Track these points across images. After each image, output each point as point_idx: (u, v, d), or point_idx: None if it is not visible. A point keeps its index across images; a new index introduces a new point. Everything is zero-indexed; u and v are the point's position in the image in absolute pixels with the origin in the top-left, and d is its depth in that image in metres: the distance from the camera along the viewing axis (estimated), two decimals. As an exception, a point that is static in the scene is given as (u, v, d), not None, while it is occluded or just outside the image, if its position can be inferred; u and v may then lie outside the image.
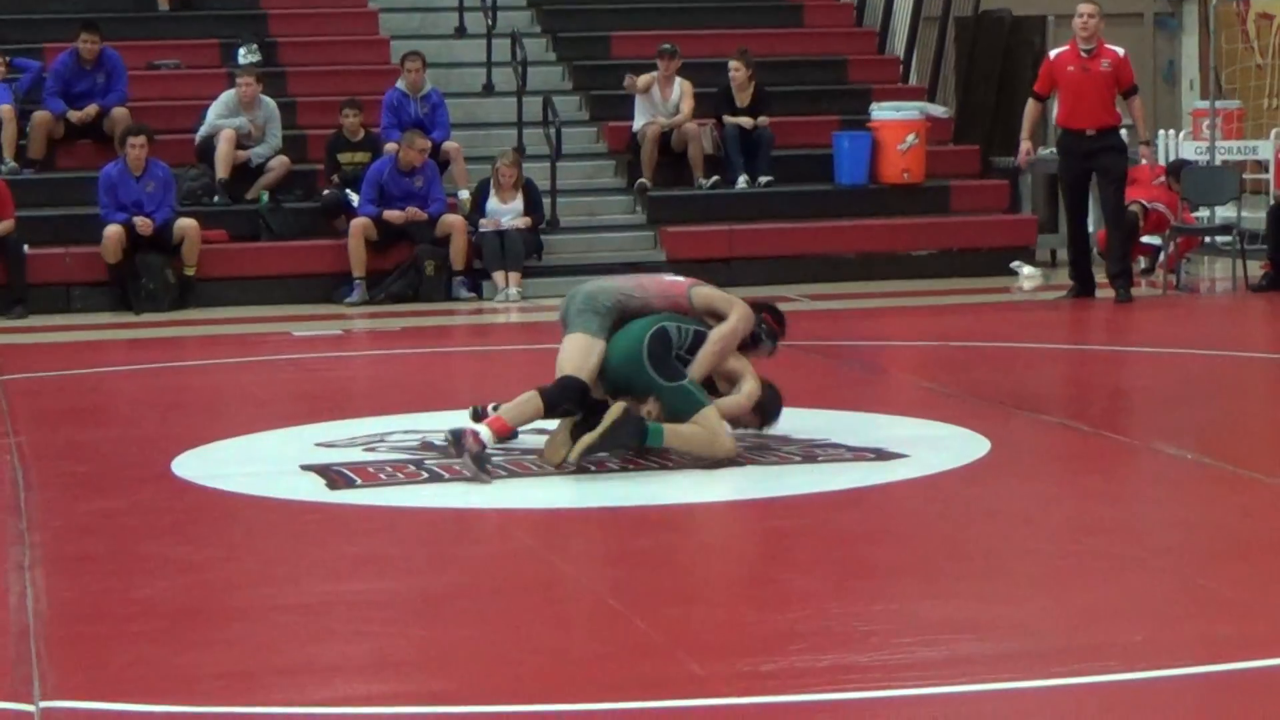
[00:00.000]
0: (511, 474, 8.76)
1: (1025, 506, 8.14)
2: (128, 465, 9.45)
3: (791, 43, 21.17)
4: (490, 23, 20.16)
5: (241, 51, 19.59)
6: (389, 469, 8.95)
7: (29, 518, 8.10)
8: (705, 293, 9.19)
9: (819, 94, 20.36)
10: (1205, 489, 8.46)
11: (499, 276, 17.29)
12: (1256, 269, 16.92)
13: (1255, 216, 18.11)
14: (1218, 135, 19.73)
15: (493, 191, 17.65)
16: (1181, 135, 21.04)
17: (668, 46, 18.95)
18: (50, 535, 7.76)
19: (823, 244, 18.57)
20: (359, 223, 17.21)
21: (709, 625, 6.23)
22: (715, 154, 18.97)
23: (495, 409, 9.03)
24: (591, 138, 19.69)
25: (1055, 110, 16.67)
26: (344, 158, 18.04)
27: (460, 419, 9.36)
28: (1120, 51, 16.06)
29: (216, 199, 17.91)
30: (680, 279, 9.43)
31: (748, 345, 9.19)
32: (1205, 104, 20.75)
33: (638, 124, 18.89)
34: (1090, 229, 16.83)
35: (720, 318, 9.06)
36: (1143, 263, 17.75)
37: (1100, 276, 16.21)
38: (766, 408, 9.16)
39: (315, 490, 8.54)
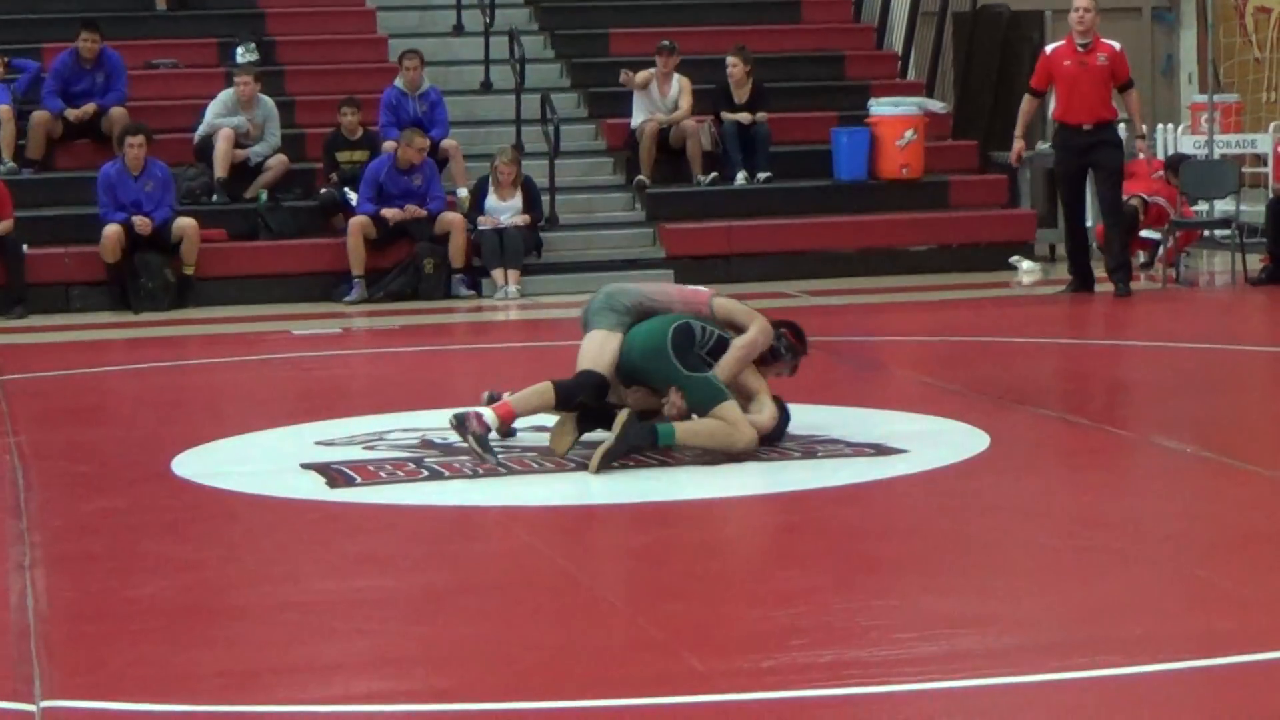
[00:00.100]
0: (511, 471, 8.77)
1: (1025, 501, 8.14)
2: (128, 464, 9.45)
3: (789, 39, 21.16)
4: (488, 20, 20.17)
5: (239, 50, 19.59)
6: (389, 467, 8.95)
7: (29, 517, 8.10)
8: (726, 304, 9.23)
9: (817, 90, 20.36)
10: (1205, 482, 8.46)
11: (498, 274, 17.30)
12: (1256, 263, 16.91)
13: (1254, 210, 18.11)
14: (1216, 129, 19.73)
15: (491, 189, 17.65)
16: (1180, 129, 21.03)
17: (666, 43, 18.95)
18: (50, 535, 7.77)
19: (822, 240, 18.57)
20: (357, 221, 17.21)
21: (709, 621, 6.23)
22: (714, 150, 18.98)
23: (511, 396, 9.10)
24: (590, 135, 19.69)
25: (1052, 105, 16.67)
26: (342, 156, 18.05)
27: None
28: (1116, 46, 16.06)
29: (215, 198, 17.91)
30: (702, 289, 9.51)
31: (767, 359, 9.19)
32: (1203, 98, 20.74)
33: (636, 121, 18.89)
34: (1089, 223, 16.83)
35: (740, 330, 9.09)
36: (1142, 257, 17.75)
37: (1099, 271, 16.21)
38: (772, 431, 9.14)
39: (315, 489, 8.54)
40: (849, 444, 9.21)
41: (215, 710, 5.43)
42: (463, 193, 18.06)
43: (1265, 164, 20.63)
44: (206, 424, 10.69)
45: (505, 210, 17.54)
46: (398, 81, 18.51)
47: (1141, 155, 17.66)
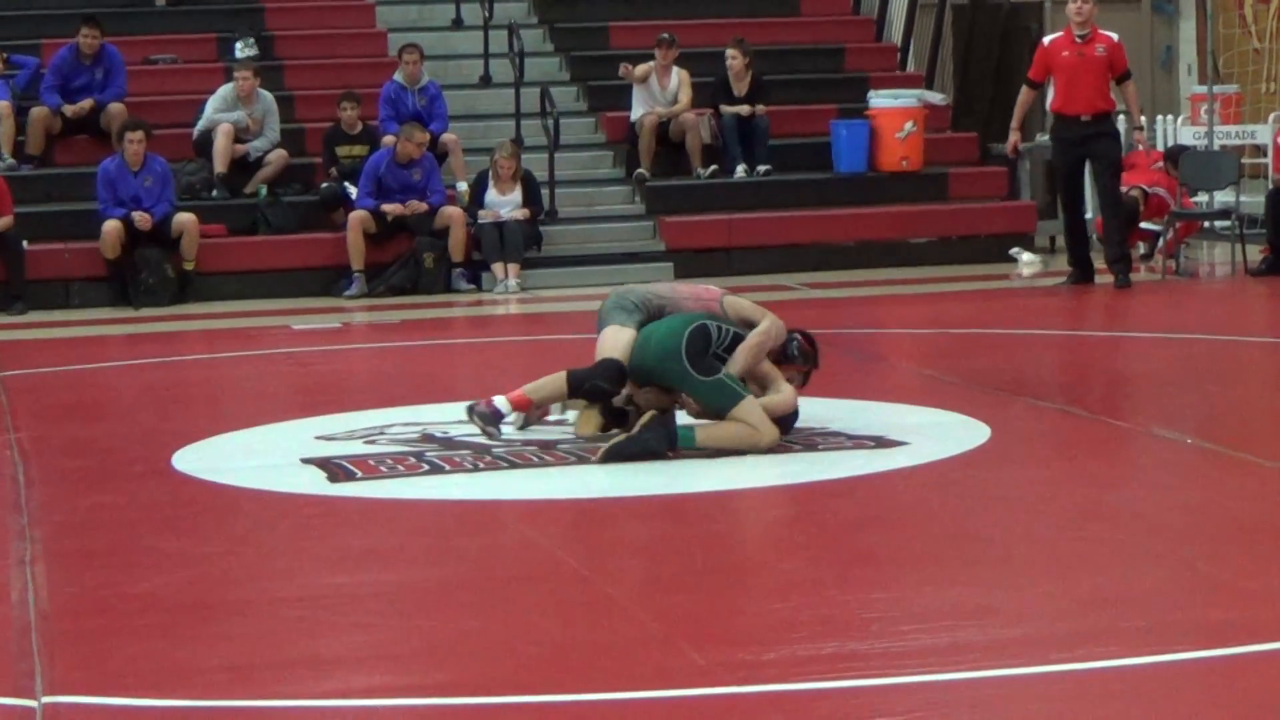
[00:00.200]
0: (512, 465, 8.77)
1: (1025, 493, 8.14)
2: (128, 460, 9.45)
3: (788, 31, 21.16)
4: (487, 14, 20.17)
5: (239, 45, 19.58)
6: (389, 461, 8.95)
7: (30, 513, 8.10)
8: (737, 301, 9.25)
9: (816, 82, 20.35)
10: (1205, 474, 8.46)
11: (498, 268, 17.30)
12: (1255, 253, 16.92)
13: (1254, 201, 18.12)
14: (1216, 120, 19.72)
15: (491, 183, 17.65)
16: (1179, 120, 21.03)
17: (665, 36, 18.95)
18: (51, 530, 7.77)
19: (821, 232, 18.57)
20: (357, 216, 17.21)
21: (710, 614, 6.23)
22: (713, 143, 18.98)
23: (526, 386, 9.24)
24: (590, 128, 19.69)
25: (1050, 96, 16.66)
26: (342, 151, 18.05)
27: (460, 411, 9.43)
28: (1115, 37, 16.06)
29: (215, 193, 17.91)
30: (713, 287, 9.53)
31: (778, 359, 9.18)
32: (1203, 89, 20.74)
33: (636, 114, 18.89)
34: (1089, 215, 16.83)
35: (751, 326, 9.08)
36: (1142, 248, 17.75)
37: (1099, 262, 16.21)
38: (784, 420, 9.13)
39: (316, 483, 8.54)
40: (850, 436, 9.21)
41: (216, 705, 5.43)
42: (462, 187, 18.06)
43: (1265, 155, 20.61)
44: (207, 419, 10.69)
45: (505, 204, 17.53)
46: (397, 76, 18.50)
47: (1140, 147, 17.67)
